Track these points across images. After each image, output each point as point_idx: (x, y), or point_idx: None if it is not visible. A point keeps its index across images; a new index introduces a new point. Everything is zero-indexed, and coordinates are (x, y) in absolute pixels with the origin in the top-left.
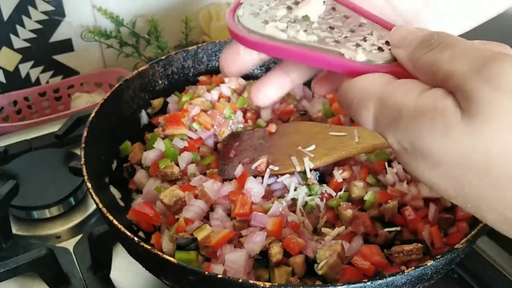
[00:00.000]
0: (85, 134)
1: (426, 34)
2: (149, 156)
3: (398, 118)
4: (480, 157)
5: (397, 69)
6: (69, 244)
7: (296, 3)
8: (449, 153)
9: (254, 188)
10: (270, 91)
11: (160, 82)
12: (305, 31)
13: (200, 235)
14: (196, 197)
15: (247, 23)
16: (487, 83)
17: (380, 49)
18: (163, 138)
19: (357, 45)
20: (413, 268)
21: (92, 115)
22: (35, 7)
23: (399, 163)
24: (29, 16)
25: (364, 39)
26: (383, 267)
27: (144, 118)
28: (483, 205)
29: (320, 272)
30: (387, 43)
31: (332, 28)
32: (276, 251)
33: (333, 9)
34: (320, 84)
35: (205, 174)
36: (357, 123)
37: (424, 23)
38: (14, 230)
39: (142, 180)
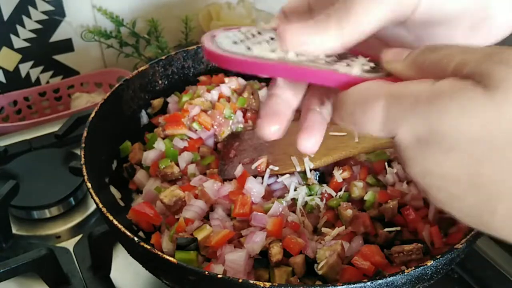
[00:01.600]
0: (85, 134)
1: (427, 45)
2: (149, 156)
3: (414, 104)
4: (505, 125)
5: (394, 80)
6: (69, 244)
7: (272, 39)
8: (470, 128)
9: (254, 188)
10: (317, 139)
11: (160, 82)
12: (294, 55)
13: (200, 235)
14: (196, 197)
15: (231, 48)
16: (501, 64)
17: (371, 68)
18: (163, 138)
19: (348, 65)
20: (413, 268)
21: (92, 115)
22: (35, 7)
23: (399, 163)
24: (29, 16)
25: (353, 61)
26: (383, 267)
27: (144, 118)
28: (500, 188)
29: (320, 272)
30: (376, 65)
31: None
32: (276, 251)
33: None
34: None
35: (205, 174)
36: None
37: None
38: (14, 230)
39: (142, 180)
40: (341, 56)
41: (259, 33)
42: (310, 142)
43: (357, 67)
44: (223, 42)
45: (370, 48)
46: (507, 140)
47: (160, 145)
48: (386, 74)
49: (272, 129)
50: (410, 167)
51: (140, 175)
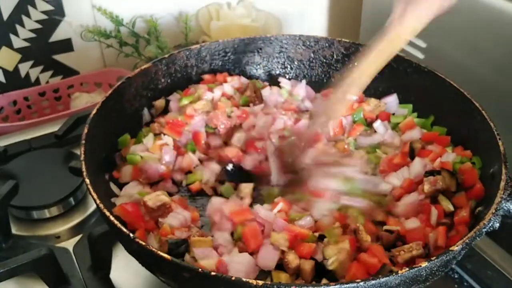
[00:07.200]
0: (85, 130)
1: None
2: (135, 150)
3: None
4: None
5: None
6: (69, 244)
7: None
8: None
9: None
10: None
11: (162, 80)
12: None
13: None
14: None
15: None
16: None
17: None
18: (157, 134)
19: None
20: (406, 269)
21: (93, 112)
22: (35, 7)
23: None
24: (29, 16)
25: None
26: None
27: (146, 116)
28: None
29: (331, 268)
30: None
31: None
32: (292, 258)
33: None
34: None
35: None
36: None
37: None
38: (14, 230)
39: (126, 175)
40: None
41: None
42: None
43: None
44: None
45: None
46: None
47: (149, 141)
48: None
49: None
50: None
51: (126, 170)
